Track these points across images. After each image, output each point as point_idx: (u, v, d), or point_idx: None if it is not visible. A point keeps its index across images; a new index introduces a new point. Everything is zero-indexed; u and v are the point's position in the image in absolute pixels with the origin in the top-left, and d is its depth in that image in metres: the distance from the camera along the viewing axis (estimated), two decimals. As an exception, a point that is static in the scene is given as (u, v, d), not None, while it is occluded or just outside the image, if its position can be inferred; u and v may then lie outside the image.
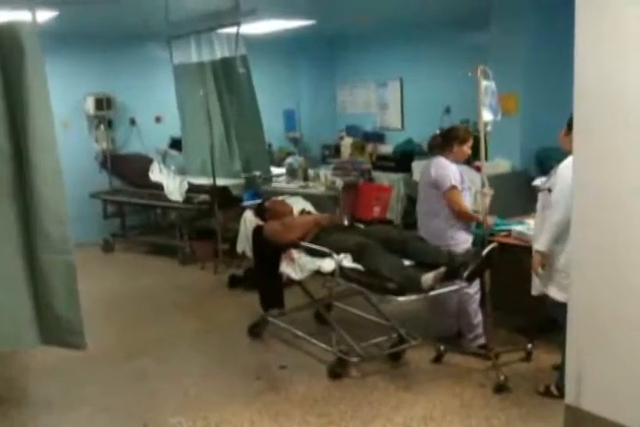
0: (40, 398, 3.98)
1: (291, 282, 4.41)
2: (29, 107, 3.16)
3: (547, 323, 3.80)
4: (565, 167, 3.24)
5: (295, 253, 4.15)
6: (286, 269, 4.19)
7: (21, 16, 3.34)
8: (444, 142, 4.21)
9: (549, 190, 3.40)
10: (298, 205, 4.88)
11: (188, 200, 6.67)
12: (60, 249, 3.33)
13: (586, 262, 2.37)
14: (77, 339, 3.42)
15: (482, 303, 4.21)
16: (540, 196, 3.53)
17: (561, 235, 3.29)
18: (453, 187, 4.06)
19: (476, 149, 4.24)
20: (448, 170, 4.09)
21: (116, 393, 3.91)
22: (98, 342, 4.54)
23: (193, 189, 6.71)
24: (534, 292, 3.59)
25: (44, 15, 5.47)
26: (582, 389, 2.37)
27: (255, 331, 4.68)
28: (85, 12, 5.85)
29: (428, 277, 3.53)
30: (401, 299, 3.58)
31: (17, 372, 4.30)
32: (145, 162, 7.38)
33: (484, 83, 3.84)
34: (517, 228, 4.42)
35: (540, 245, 3.43)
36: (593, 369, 2.36)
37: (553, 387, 3.60)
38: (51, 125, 3.26)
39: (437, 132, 4.71)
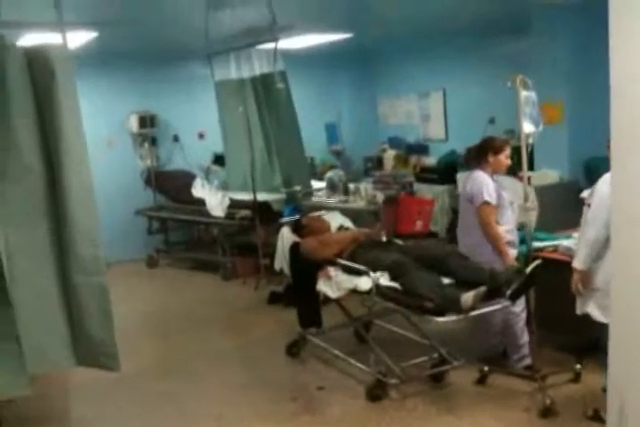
0: (77, 417, 3.99)
1: (329, 299, 4.32)
2: (61, 128, 3.18)
3: (596, 342, 3.61)
4: (603, 182, 3.09)
5: (332, 271, 4.07)
6: (323, 287, 4.11)
7: (58, 39, 3.36)
8: (479, 154, 4.07)
9: (589, 205, 3.24)
10: (335, 220, 4.80)
11: (229, 216, 6.68)
12: (93, 271, 3.33)
13: (626, 284, 2.21)
14: (111, 361, 3.40)
15: (527, 322, 4.04)
16: (585, 210, 3.37)
17: (599, 252, 3.12)
18: (486, 203, 3.92)
19: (521, 158, 4.09)
20: (483, 184, 3.95)
21: (151, 414, 3.89)
22: (136, 360, 4.59)
23: (234, 204, 6.71)
24: (578, 311, 3.42)
25: (83, 37, 5.56)
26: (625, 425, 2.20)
27: (293, 350, 4.61)
28: (124, 33, 5.94)
29: (467, 297, 3.39)
30: (440, 319, 3.45)
31: (55, 390, 4.33)
32: (188, 178, 7.45)
33: (523, 93, 3.71)
34: (564, 242, 4.23)
35: (577, 262, 3.28)
36: (637, 405, 2.19)
37: (602, 412, 3.39)
38: (82, 146, 3.27)
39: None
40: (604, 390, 3.55)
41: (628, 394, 2.21)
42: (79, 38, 5.66)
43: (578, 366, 3.92)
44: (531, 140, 3.83)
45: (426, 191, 7.40)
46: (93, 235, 3.34)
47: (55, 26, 3.21)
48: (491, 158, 4.03)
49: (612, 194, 2.28)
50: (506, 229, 4.01)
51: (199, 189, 7.13)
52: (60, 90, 3.18)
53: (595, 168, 5.98)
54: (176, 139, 8.03)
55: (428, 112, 8.60)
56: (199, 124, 7.99)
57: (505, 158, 4.05)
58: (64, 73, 3.18)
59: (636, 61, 2.06)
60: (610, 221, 3.04)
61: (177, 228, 7.88)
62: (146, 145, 7.73)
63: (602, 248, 3.08)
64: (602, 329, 3.27)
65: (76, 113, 3.25)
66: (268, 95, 6.63)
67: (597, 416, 3.41)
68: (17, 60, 3.14)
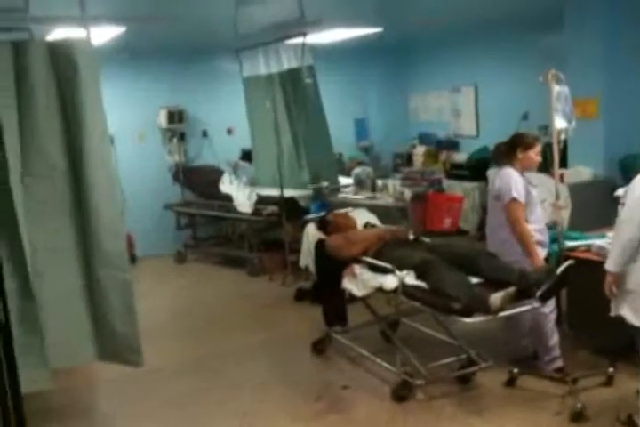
0: (101, 412, 4.01)
1: (354, 297, 4.25)
2: (84, 123, 3.18)
3: (630, 344, 3.49)
4: (638, 181, 2.97)
5: (357, 269, 4.01)
6: (348, 285, 4.06)
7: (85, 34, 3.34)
8: (509, 150, 3.96)
9: (624, 205, 3.12)
10: (362, 217, 4.74)
11: (256, 212, 6.66)
12: (117, 265, 3.32)
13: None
14: (134, 356, 3.40)
15: (558, 323, 3.93)
16: (619, 210, 3.25)
17: (632, 254, 3.01)
18: (514, 200, 3.80)
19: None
20: (511, 181, 3.84)
21: (175, 411, 3.87)
22: (161, 355, 4.61)
23: (262, 200, 6.69)
24: (612, 313, 3.30)
25: (111, 31, 5.56)
26: None
27: (319, 347, 4.56)
28: (153, 28, 5.94)
29: (496, 298, 3.30)
30: (467, 320, 3.37)
31: (81, 384, 4.34)
32: (216, 174, 7.45)
33: (555, 88, 3.60)
34: (598, 242, 4.10)
35: (609, 264, 3.15)
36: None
37: (636, 417, 3.28)
38: (105, 142, 3.27)
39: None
40: (639, 393, 3.46)
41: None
42: (107, 33, 5.66)
43: (611, 369, 3.80)
44: (563, 137, 3.72)
45: (456, 188, 7.29)
46: (118, 230, 3.35)
47: (80, 21, 3.20)
48: (520, 155, 3.92)
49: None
50: (535, 227, 3.89)
51: (227, 185, 7.13)
52: (83, 84, 3.17)
53: (631, 166, 5.81)
54: (205, 134, 8.03)
55: (459, 107, 8.47)
56: (228, 119, 7.97)
57: (535, 155, 3.93)
58: (87, 67, 3.17)
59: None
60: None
61: (205, 223, 7.88)
62: (174, 140, 7.73)
63: (635, 249, 2.97)
64: (636, 332, 3.16)
65: (100, 107, 3.24)
66: (295, 90, 6.58)
67: (631, 422, 3.30)
68: (40, 54, 3.14)
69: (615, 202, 3.63)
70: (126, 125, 7.47)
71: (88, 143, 3.19)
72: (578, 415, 3.43)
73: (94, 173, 3.24)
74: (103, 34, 5.66)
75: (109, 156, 3.33)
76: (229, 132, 8.13)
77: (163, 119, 7.61)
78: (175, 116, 7.61)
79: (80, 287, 3.33)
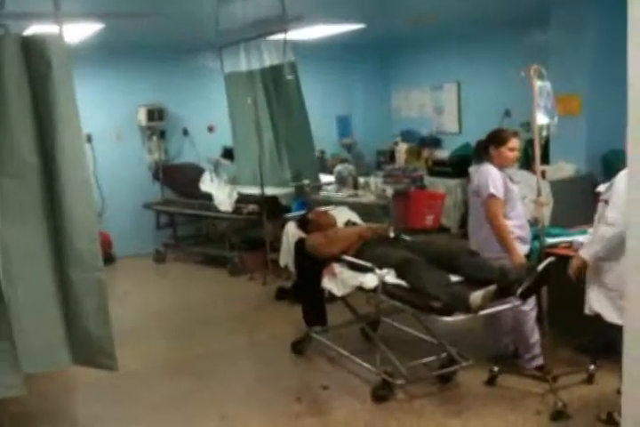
0: (80, 416, 3.94)
1: (335, 297, 4.20)
2: (57, 122, 3.07)
3: (610, 342, 3.46)
4: (622, 178, 2.95)
5: (337, 268, 3.96)
6: (328, 284, 4.01)
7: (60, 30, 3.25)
8: (485, 147, 3.93)
9: (606, 202, 3.09)
10: (343, 215, 4.69)
11: (237, 210, 6.59)
12: (91, 266, 3.23)
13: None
14: (108, 360, 3.31)
15: (539, 321, 3.91)
16: (600, 206, 3.23)
17: (612, 251, 2.99)
18: (491, 196, 3.77)
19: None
20: (489, 177, 3.80)
21: (154, 414, 3.80)
22: (141, 358, 4.55)
23: (242, 198, 6.62)
24: (587, 310, 3.28)
25: (90, 28, 5.47)
26: None
27: (299, 347, 4.51)
28: (132, 24, 5.84)
29: (476, 296, 3.26)
30: (447, 319, 3.33)
31: (59, 387, 4.25)
32: (196, 172, 7.37)
33: (538, 83, 3.56)
34: (579, 238, 4.09)
35: (585, 252, 3.16)
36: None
37: (616, 414, 3.24)
38: (79, 139, 3.17)
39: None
40: (619, 392, 3.42)
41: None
42: (85, 30, 5.56)
43: (592, 366, 3.78)
44: (545, 133, 3.68)
45: (438, 185, 7.27)
46: (91, 230, 3.25)
47: (53, 16, 3.11)
48: (493, 152, 3.88)
49: (629, 193, 2.13)
50: (516, 223, 3.86)
51: (207, 184, 7.05)
52: (57, 82, 3.07)
53: (612, 162, 5.82)
54: (185, 132, 7.94)
55: (441, 104, 8.45)
56: (209, 117, 7.88)
57: (508, 151, 3.87)
58: (61, 64, 3.07)
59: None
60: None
61: (185, 222, 7.80)
62: (154, 138, 7.63)
63: (616, 247, 2.95)
64: (617, 330, 3.13)
65: (74, 106, 3.15)
66: (277, 87, 6.52)
67: (611, 420, 3.28)
68: (13, 49, 3.04)
69: (597, 198, 3.60)
70: (105, 124, 7.38)
71: (61, 142, 3.10)
72: (558, 414, 3.41)
73: (68, 173, 3.15)
74: (81, 31, 5.57)
75: (84, 155, 3.24)
76: (210, 129, 8.04)
77: (142, 117, 7.51)
78: (155, 114, 7.51)
79: (53, 289, 3.23)
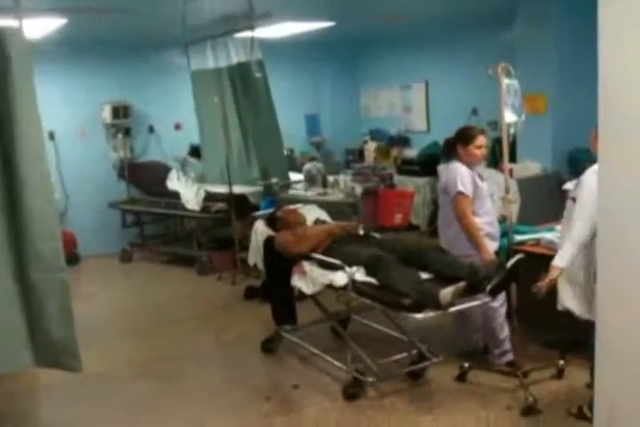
0: (44, 418, 3.84)
1: (304, 295, 4.17)
2: (16, 117, 2.97)
3: (579, 337, 3.49)
4: (589, 175, 2.96)
5: (307, 266, 3.93)
6: (298, 282, 3.97)
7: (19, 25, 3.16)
8: (452, 145, 3.94)
9: (574, 200, 3.11)
10: (312, 214, 4.65)
11: (204, 209, 6.51)
12: (53, 266, 3.13)
13: (614, 284, 2.07)
14: (73, 361, 3.22)
15: (508, 317, 3.93)
16: (568, 204, 3.24)
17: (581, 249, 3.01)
18: (460, 193, 3.78)
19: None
20: (457, 175, 3.81)
21: (120, 417, 3.71)
22: (108, 360, 4.46)
23: (210, 197, 6.54)
24: (559, 306, 3.29)
25: (52, 23, 5.34)
26: None
27: (268, 346, 4.46)
28: (96, 20, 5.73)
29: (446, 293, 3.26)
30: (418, 316, 3.32)
31: (24, 388, 4.14)
32: (163, 170, 7.26)
33: (505, 81, 3.57)
34: (547, 236, 4.13)
35: (558, 260, 3.13)
36: (626, 410, 2.05)
37: (586, 408, 3.28)
38: (39, 137, 3.07)
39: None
40: (588, 386, 3.46)
41: (617, 400, 2.08)
42: (47, 26, 5.43)
43: (561, 361, 3.81)
44: (512, 131, 3.70)
45: (407, 184, 7.29)
46: (52, 228, 3.15)
47: (13, 11, 3.01)
48: (461, 150, 3.89)
49: (599, 191, 2.14)
50: (486, 220, 3.88)
51: (174, 182, 6.94)
52: (16, 76, 2.97)
53: (578, 160, 5.89)
54: (151, 130, 7.82)
55: (410, 104, 8.48)
56: (175, 114, 7.77)
57: (475, 149, 3.88)
58: (21, 58, 2.97)
59: (625, 51, 1.91)
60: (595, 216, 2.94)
61: (152, 221, 7.68)
62: (119, 136, 7.50)
63: (584, 245, 2.98)
64: (585, 324, 3.16)
65: (33, 103, 3.05)
66: (244, 85, 6.45)
67: (581, 414, 3.30)
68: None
69: (564, 195, 3.63)
70: (69, 121, 7.24)
71: (20, 137, 3.00)
72: (529, 409, 3.42)
73: (27, 171, 3.05)
74: (43, 26, 5.44)
75: (44, 153, 3.13)
76: (177, 127, 7.93)
77: (107, 114, 7.36)
78: (120, 112, 7.37)
79: (13, 290, 3.12)
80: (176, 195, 6.76)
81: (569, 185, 3.56)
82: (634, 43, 1.85)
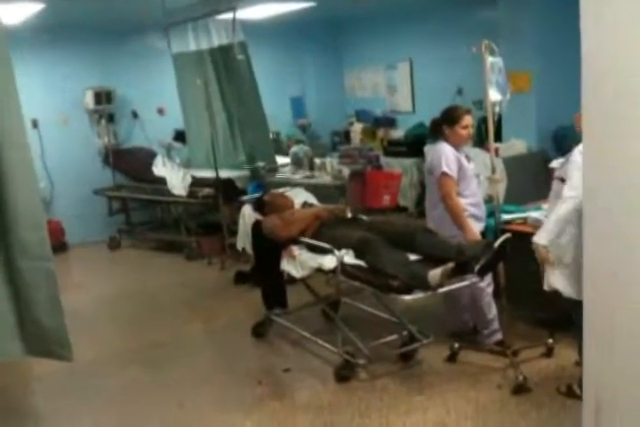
0: (31, 409, 3.83)
1: (294, 279, 4.17)
2: (-5, 104, 2.93)
3: (568, 316, 3.51)
4: (577, 155, 2.96)
5: (296, 250, 3.92)
6: (287, 266, 3.97)
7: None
8: (438, 126, 3.91)
9: (562, 180, 3.10)
10: (299, 197, 4.64)
11: (191, 194, 6.47)
12: (39, 256, 3.10)
13: (601, 266, 2.06)
14: (63, 350, 3.21)
15: (496, 296, 3.94)
16: (554, 183, 3.24)
17: (565, 228, 3.02)
18: (444, 174, 3.77)
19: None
20: (442, 155, 3.80)
21: (110, 405, 3.71)
22: (98, 347, 4.46)
23: (197, 182, 6.50)
24: (545, 286, 3.31)
25: (29, 8, 5.23)
26: (601, 420, 2.07)
27: (259, 331, 4.46)
28: (74, 4, 5.61)
29: (435, 274, 3.26)
30: (407, 298, 3.32)
31: (15, 380, 4.12)
32: (148, 156, 7.20)
33: (489, 59, 3.54)
34: (534, 214, 4.12)
35: (540, 237, 3.13)
36: (613, 398, 2.05)
37: (576, 386, 3.32)
38: (20, 123, 3.02)
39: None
40: (577, 364, 3.50)
41: (605, 386, 2.09)
42: (24, 11, 5.32)
43: (550, 340, 3.84)
44: (497, 109, 3.67)
45: (394, 165, 7.27)
46: (37, 217, 3.12)
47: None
48: (447, 131, 3.87)
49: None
50: (471, 201, 3.87)
51: (160, 168, 6.88)
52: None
53: (563, 137, 5.90)
54: (135, 115, 7.72)
55: (394, 84, 8.42)
56: (158, 99, 7.68)
57: (461, 129, 3.86)
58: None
59: (606, 27, 1.89)
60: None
61: (138, 208, 7.61)
62: (103, 122, 7.40)
63: (570, 224, 2.98)
64: (573, 304, 3.18)
65: (13, 90, 2.99)
66: (227, 67, 6.39)
67: (571, 392, 3.34)
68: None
69: (550, 174, 3.62)
70: (51, 108, 7.13)
71: (2, 128, 2.95)
72: (519, 388, 3.45)
73: (10, 159, 3.00)
74: (20, 11, 5.32)
75: (26, 140, 3.09)
76: (161, 112, 7.84)
77: (89, 100, 7.26)
78: (103, 97, 7.28)
79: (1, 280, 3.11)
80: (162, 181, 6.70)
81: (555, 163, 3.56)
82: (614, 19, 1.83)
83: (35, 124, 7.00)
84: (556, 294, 3.34)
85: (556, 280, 3.21)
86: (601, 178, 2.00)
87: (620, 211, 1.94)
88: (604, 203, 1.98)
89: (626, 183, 1.90)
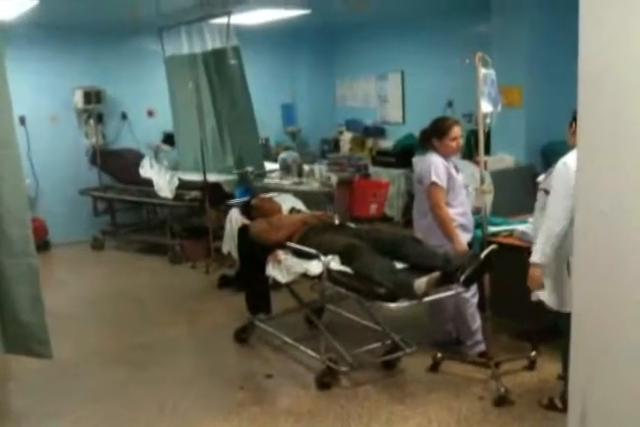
0: (11, 409, 3.75)
1: (279, 284, 4.15)
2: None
3: (552, 329, 3.53)
4: (559, 169, 2.98)
5: (281, 255, 3.90)
6: (272, 271, 3.94)
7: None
8: (427, 137, 3.93)
9: (546, 191, 3.12)
10: (287, 202, 4.63)
11: (178, 197, 6.43)
12: (23, 252, 3.09)
13: (590, 271, 2.07)
14: (42, 348, 3.19)
15: (481, 308, 3.95)
16: (539, 196, 3.26)
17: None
18: (433, 184, 3.78)
19: (477, 142, 3.95)
20: (432, 165, 3.81)
21: (89, 406, 3.65)
22: (79, 348, 4.41)
23: (184, 185, 6.47)
24: (533, 297, 3.32)
25: (23, 5, 5.20)
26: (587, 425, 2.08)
27: (242, 336, 4.43)
28: (69, 2, 5.60)
29: (421, 282, 3.26)
30: (392, 305, 3.31)
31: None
32: (136, 157, 7.15)
33: (482, 71, 3.56)
34: (520, 227, 4.15)
35: (535, 257, 3.11)
36: (598, 407, 2.05)
37: (557, 400, 3.33)
38: (10, 121, 3.01)
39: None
40: (560, 377, 3.51)
41: (591, 396, 2.09)
42: (18, 7, 5.28)
43: (533, 353, 3.85)
44: (488, 121, 3.69)
45: (382, 175, 7.29)
46: (23, 215, 3.10)
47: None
48: (436, 142, 3.88)
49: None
50: (459, 211, 3.88)
51: (147, 169, 6.84)
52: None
53: (551, 153, 5.93)
54: (124, 116, 7.68)
55: (385, 94, 8.46)
56: (148, 101, 7.65)
57: (450, 141, 3.87)
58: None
59: (605, 32, 1.91)
60: (569, 208, 2.94)
61: (124, 209, 7.56)
62: (91, 122, 7.35)
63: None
64: (556, 316, 3.19)
65: (3, 85, 2.98)
66: (220, 71, 6.38)
67: (552, 405, 3.34)
68: None
69: (536, 188, 3.64)
70: (40, 106, 7.08)
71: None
72: (501, 399, 3.45)
73: (-1, 153, 2.99)
74: (14, 8, 5.29)
75: (14, 138, 3.07)
76: (150, 114, 7.81)
77: (79, 100, 7.22)
78: (92, 97, 7.23)
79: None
80: (149, 182, 6.67)
81: (541, 178, 3.58)
82: (613, 23, 1.84)
83: (22, 121, 6.94)
84: (540, 305, 3.35)
85: (541, 291, 3.21)
86: (595, 180, 1.99)
87: (612, 218, 1.94)
88: (595, 210, 1.99)
89: (619, 186, 1.91)
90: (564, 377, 3.32)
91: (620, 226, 1.93)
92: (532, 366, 3.83)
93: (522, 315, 3.92)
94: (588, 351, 2.07)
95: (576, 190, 2.15)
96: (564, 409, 3.13)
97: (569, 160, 2.99)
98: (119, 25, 7.03)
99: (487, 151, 5.90)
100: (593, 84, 1.94)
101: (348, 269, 3.54)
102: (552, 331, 3.41)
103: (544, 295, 3.22)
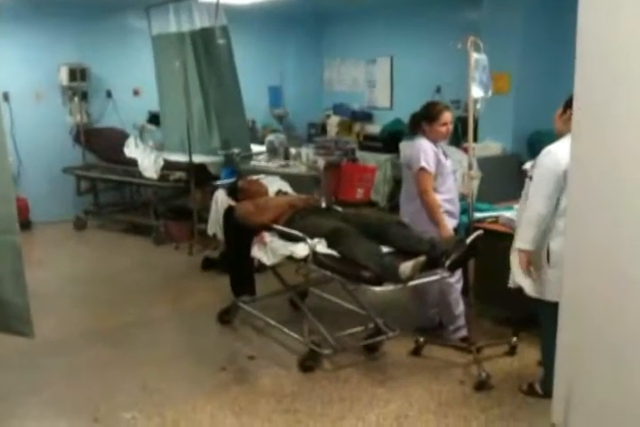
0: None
1: (264, 266, 4.14)
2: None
3: (534, 315, 3.55)
4: (544, 155, 2.99)
5: (267, 237, 3.88)
6: (257, 253, 3.93)
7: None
8: (417, 121, 3.91)
9: (531, 179, 3.13)
10: (274, 185, 4.60)
11: (163, 177, 6.38)
12: (4, 229, 3.02)
13: (581, 261, 2.07)
14: (24, 326, 3.13)
15: (465, 293, 3.97)
16: (527, 182, 3.26)
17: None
18: (422, 169, 3.77)
19: (465, 128, 3.95)
20: (420, 151, 3.80)
21: (71, 384, 3.64)
22: (61, 327, 4.39)
23: (169, 165, 6.40)
24: (511, 284, 3.33)
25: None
26: (571, 411, 2.10)
27: (225, 317, 4.43)
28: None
29: (406, 267, 3.26)
30: (377, 289, 3.32)
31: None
32: (120, 137, 7.08)
33: (474, 55, 3.55)
34: (506, 214, 4.17)
35: (521, 243, 3.13)
36: (585, 392, 2.07)
37: (537, 385, 3.37)
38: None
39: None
40: (539, 363, 3.54)
41: (575, 389, 2.11)
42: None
43: (514, 338, 3.88)
44: (479, 106, 3.68)
45: (369, 159, 7.27)
46: (7, 191, 3.03)
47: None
48: (426, 127, 3.87)
49: (571, 175, 2.13)
50: (446, 198, 3.88)
51: (132, 149, 6.77)
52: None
53: (538, 142, 5.94)
54: (109, 94, 7.58)
55: (374, 79, 8.42)
56: (134, 80, 7.56)
57: (440, 126, 3.86)
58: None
59: (604, 19, 1.90)
60: (553, 194, 2.97)
61: (108, 188, 7.49)
62: (76, 100, 7.25)
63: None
64: (535, 303, 3.21)
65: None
66: (207, 51, 6.30)
67: (532, 390, 3.38)
68: None
69: (522, 175, 3.65)
70: (24, 82, 6.97)
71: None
72: (482, 384, 3.48)
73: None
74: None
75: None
76: (136, 93, 7.71)
77: (64, 76, 7.10)
78: (77, 74, 7.12)
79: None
80: (133, 162, 6.60)
81: (527, 165, 3.58)
82: (612, 11, 1.84)
83: (6, 97, 6.83)
84: (522, 292, 3.37)
85: (520, 277, 3.23)
86: (589, 170, 2.00)
87: (605, 205, 1.95)
88: (587, 195, 1.99)
89: (614, 175, 1.91)
90: (543, 364, 3.36)
91: (615, 216, 1.94)
92: (512, 351, 3.87)
93: (505, 301, 3.95)
94: (573, 343, 2.09)
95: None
96: (544, 395, 3.19)
97: (554, 148, 3.01)
98: (107, 2, 6.91)
99: (474, 138, 5.90)
100: (590, 66, 1.93)
101: (334, 253, 3.53)
102: (534, 318, 3.44)
103: (524, 282, 3.23)
